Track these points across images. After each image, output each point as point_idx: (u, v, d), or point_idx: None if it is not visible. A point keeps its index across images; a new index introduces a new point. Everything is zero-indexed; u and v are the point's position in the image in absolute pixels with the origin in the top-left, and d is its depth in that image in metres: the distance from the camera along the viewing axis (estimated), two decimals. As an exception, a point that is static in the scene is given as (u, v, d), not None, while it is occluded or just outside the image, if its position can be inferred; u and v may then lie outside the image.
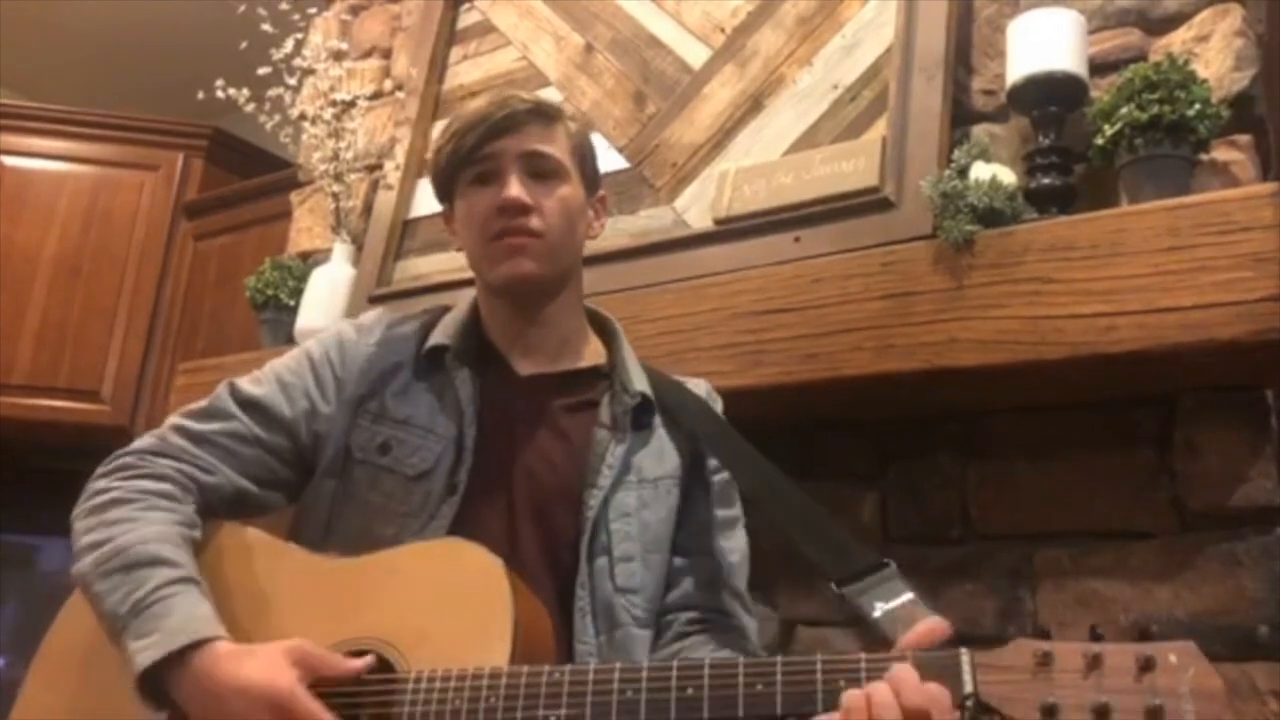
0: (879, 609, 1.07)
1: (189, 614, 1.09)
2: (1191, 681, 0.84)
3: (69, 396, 3.38)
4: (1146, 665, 0.85)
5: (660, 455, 1.32)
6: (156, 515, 1.18)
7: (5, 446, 3.35)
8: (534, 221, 1.29)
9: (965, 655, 0.91)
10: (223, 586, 1.19)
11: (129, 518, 1.17)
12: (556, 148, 1.33)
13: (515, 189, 1.28)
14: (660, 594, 1.28)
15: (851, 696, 0.92)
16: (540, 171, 1.31)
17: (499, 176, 1.30)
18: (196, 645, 1.06)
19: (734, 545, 1.35)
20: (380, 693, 1.06)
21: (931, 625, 0.98)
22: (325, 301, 2.46)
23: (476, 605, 1.08)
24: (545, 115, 1.34)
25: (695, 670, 0.98)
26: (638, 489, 1.28)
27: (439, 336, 1.33)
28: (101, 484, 1.22)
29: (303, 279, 2.58)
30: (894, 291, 1.64)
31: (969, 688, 0.89)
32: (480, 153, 1.31)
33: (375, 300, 2.37)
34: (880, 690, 0.91)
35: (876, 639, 1.04)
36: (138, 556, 1.12)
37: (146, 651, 1.06)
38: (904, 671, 0.91)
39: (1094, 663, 0.87)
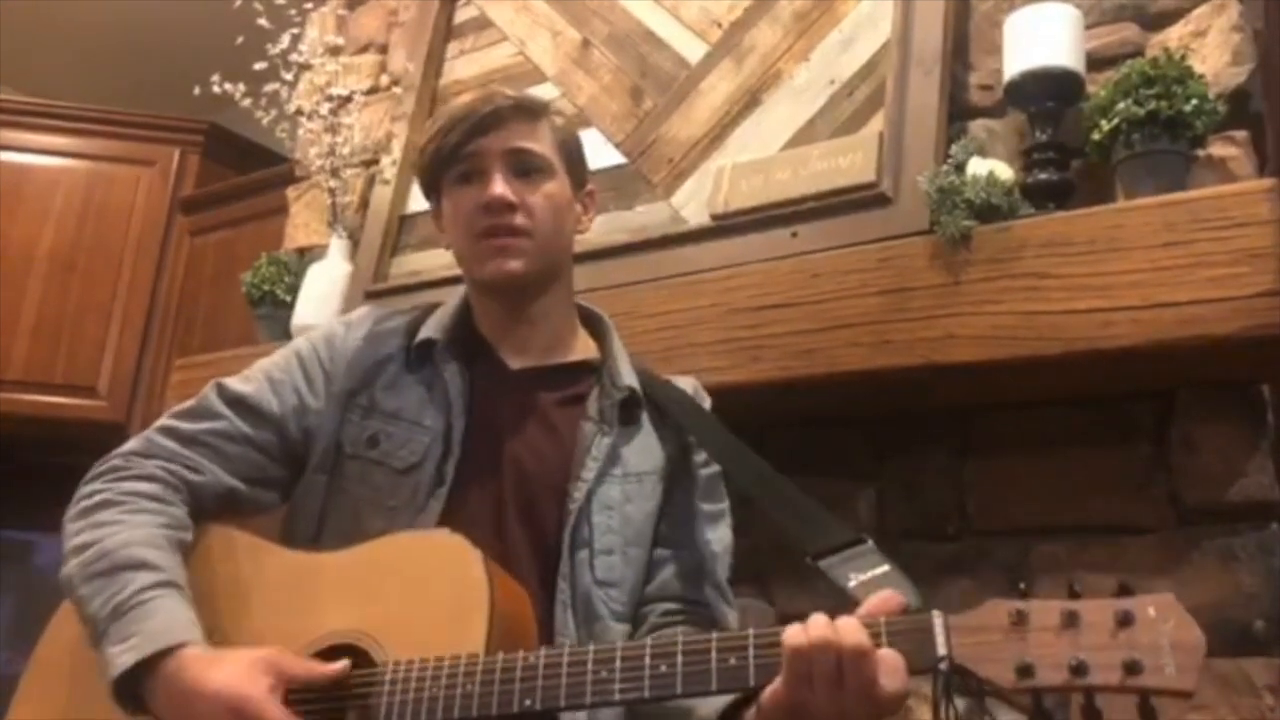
0: (854, 579, 1.07)
1: (168, 619, 1.08)
2: (1171, 634, 0.83)
3: (65, 392, 3.37)
4: (1124, 620, 0.84)
5: (647, 450, 1.32)
6: (143, 518, 1.17)
7: (1, 442, 3.35)
8: (519, 219, 1.29)
9: (938, 618, 0.91)
10: (205, 587, 1.19)
11: (115, 520, 1.16)
12: (541, 144, 1.32)
13: (499, 187, 1.28)
14: (640, 589, 1.28)
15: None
16: (525, 168, 1.31)
17: (483, 175, 1.30)
18: (170, 650, 1.06)
19: (717, 537, 1.34)
20: (359, 685, 1.06)
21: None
22: (322, 297, 2.46)
23: (453, 594, 1.08)
24: (529, 111, 1.33)
25: (669, 647, 0.99)
26: (622, 483, 1.28)
27: (429, 330, 1.33)
28: (90, 487, 1.22)
29: (299, 275, 2.57)
30: (891, 287, 1.64)
31: (942, 650, 0.88)
32: (464, 151, 1.30)
33: (372, 296, 2.37)
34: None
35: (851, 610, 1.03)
36: (121, 560, 1.12)
37: (123, 656, 1.06)
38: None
39: (1070, 620, 0.85)
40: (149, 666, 1.05)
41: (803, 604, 1.84)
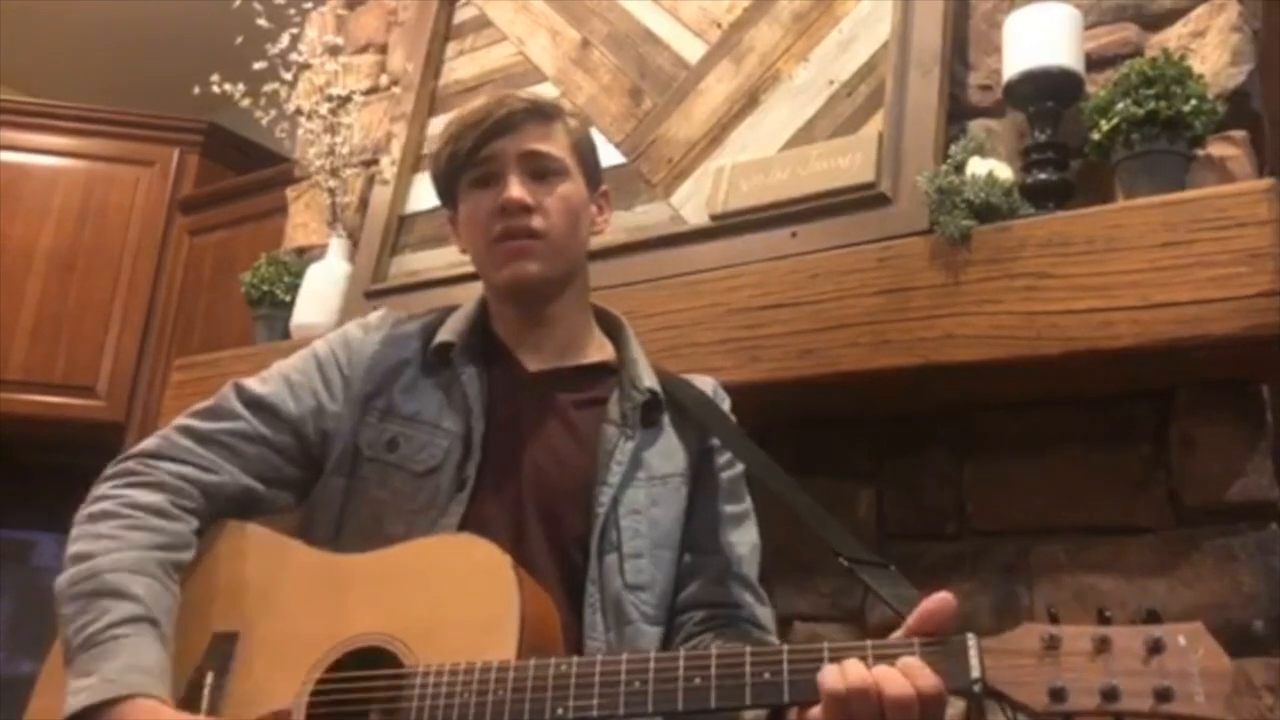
0: (885, 589, 1.10)
1: (129, 663, 1.07)
2: (1200, 662, 0.84)
3: (64, 392, 3.37)
4: (1155, 647, 0.85)
5: (669, 453, 1.32)
6: (139, 537, 1.16)
7: (0, 442, 3.35)
8: (535, 221, 1.29)
9: (972, 640, 0.91)
10: (231, 585, 1.19)
11: (112, 535, 1.16)
12: (556, 146, 1.33)
13: (515, 189, 1.28)
14: (670, 591, 1.28)
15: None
16: (540, 170, 1.31)
17: (499, 178, 1.30)
18: (120, 700, 1.04)
19: (743, 538, 1.34)
20: (388, 688, 1.06)
21: (942, 598, 0.96)
22: (321, 297, 2.46)
23: (483, 599, 1.08)
24: (543, 114, 1.34)
25: (703, 660, 0.99)
26: (647, 486, 1.28)
27: (446, 334, 1.33)
28: (100, 491, 1.22)
29: (299, 275, 2.57)
30: (890, 287, 1.64)
31: (976, 673, 0.89)
32: (479, 154, 1.31)
33: (371, 296, 2.37)
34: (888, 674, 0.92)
35: (878, 623, 1.04)
36: (104, 585, 1.11)
37: (79, 695, 1.05)
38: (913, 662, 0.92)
39: (1102, 645, 0.87)
40: (99, 711, 1.04)
41: (802, 606, 1.86)
